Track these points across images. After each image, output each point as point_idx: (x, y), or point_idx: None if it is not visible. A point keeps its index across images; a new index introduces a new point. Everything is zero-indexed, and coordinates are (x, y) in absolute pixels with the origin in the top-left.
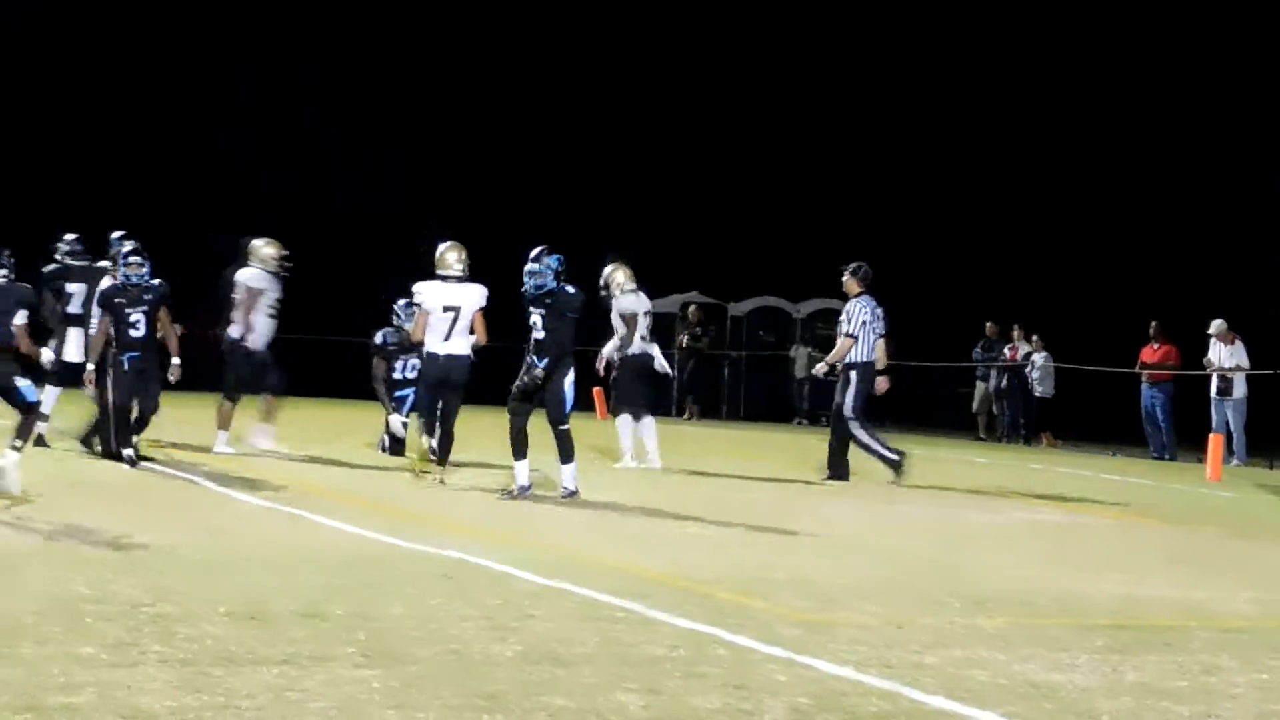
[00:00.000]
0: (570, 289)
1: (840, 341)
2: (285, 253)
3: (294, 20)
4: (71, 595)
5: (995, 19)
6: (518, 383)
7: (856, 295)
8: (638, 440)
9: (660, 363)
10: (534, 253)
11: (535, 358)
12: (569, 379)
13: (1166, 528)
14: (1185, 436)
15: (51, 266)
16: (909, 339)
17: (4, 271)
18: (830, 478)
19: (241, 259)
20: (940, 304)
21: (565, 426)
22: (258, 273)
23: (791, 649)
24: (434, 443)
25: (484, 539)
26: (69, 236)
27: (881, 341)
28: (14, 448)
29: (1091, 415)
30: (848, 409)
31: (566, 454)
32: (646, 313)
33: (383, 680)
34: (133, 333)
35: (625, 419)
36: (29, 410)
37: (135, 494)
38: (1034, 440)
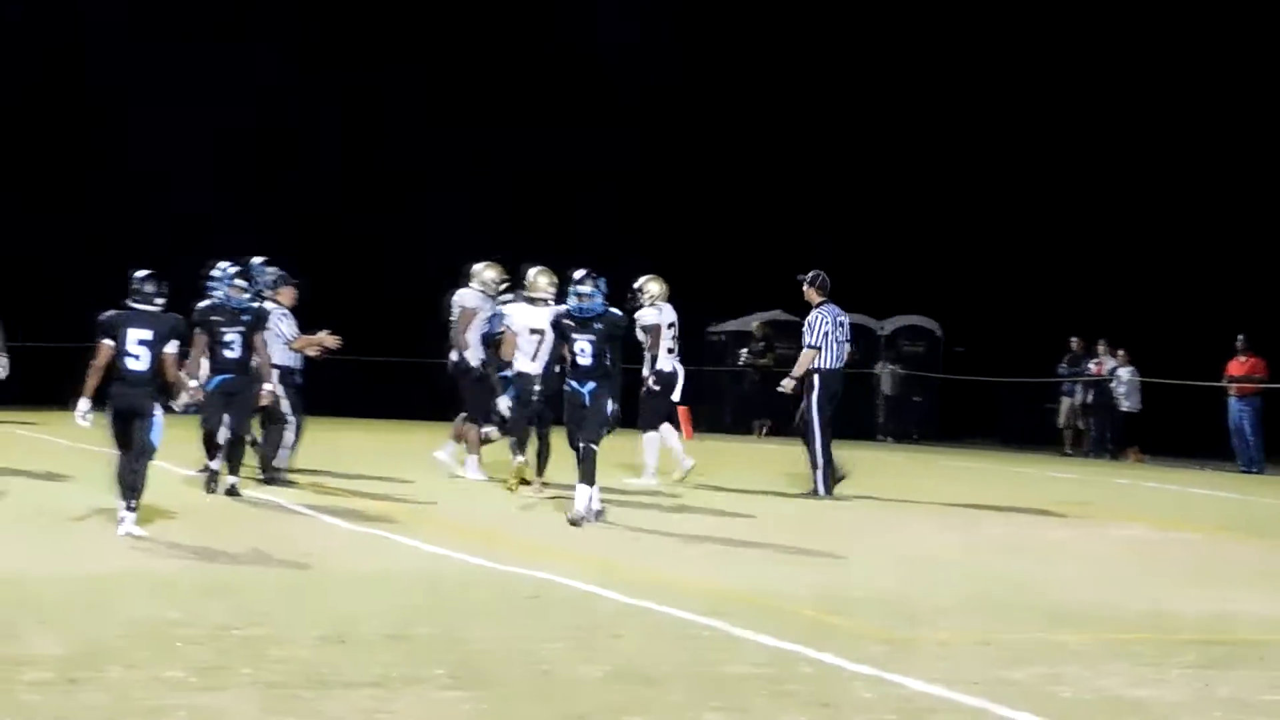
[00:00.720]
0: (617, 311)
1: (803, 353)
2: (506, 278)
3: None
4: (160, 619)
5: (1078, 30)
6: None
7: (818, 305)
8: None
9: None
10: (580, 274)
11: (577, 383)
12: (612, 401)
13: (1256, 542)
14: (1274, 449)
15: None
16: (996, 355)
17: (161, 301)
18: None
19: (463, 281)
20: (1026, 319)
21: (595, 448)
22: (474, 293)
23: (878, 666)
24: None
25: (568, 559)
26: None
27: (848, 349)
28: (130, 508)
29: (1178, 429)
30: (812, 416)
31: (588, 476)
32: (670, 325)
33: (472, 702)
34: (227, 354)
35: (651, 436)
36: (141, 454)
37: (223, 517)
38: (1120, 455)
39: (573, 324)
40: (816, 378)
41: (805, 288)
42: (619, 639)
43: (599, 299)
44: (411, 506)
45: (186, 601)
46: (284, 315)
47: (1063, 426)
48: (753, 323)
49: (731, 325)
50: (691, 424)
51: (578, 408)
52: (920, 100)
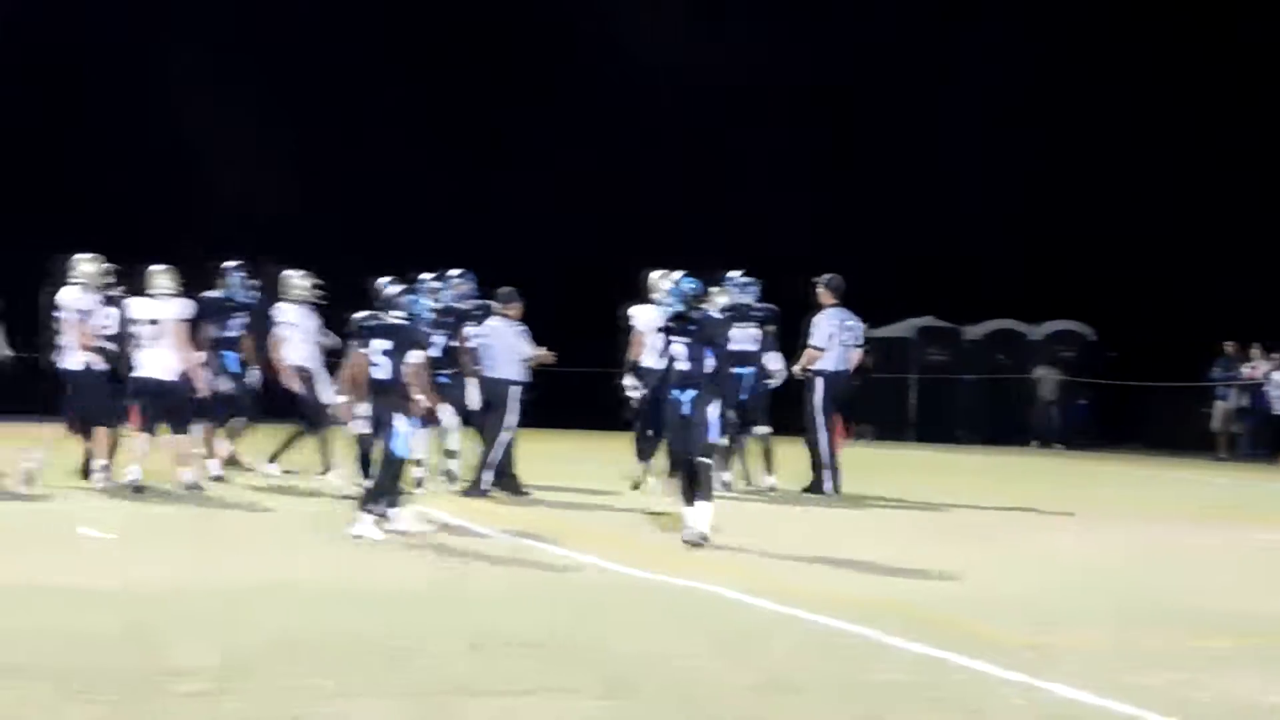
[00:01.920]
0: (715, 315)
1: (805, 352)
2: None
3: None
4: (304, 629)
5: (1214, 32)
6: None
7: (828, 307)
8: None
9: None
10: (680, 276)
11: (678, 391)
12: (715, 408)
13: None
14: None
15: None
16: (1150, 359)
17: (403, 312)
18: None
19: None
20: (1179, 323)
21: (707, 461)
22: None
23: (1026, 673)
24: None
25: (714, 568)
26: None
27: (857, 352)
28: (379, 514)
29: None
30: (817, 416)
31: (704, 490)
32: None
33: (617, 711)
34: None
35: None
36: (388, 465)
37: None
38: (1275, 459)
39: (673, 326)
40: (821, 380)
41: (819, 289)
42: (765, 647)
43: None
44: (558, 515)
45: (331, 612)
46: (520, 330)
47: (1217, 431)
48: (913, 329)
49: (883, 332)
50: (845, 432)
51: (679, 417)
52: (1067, 106)
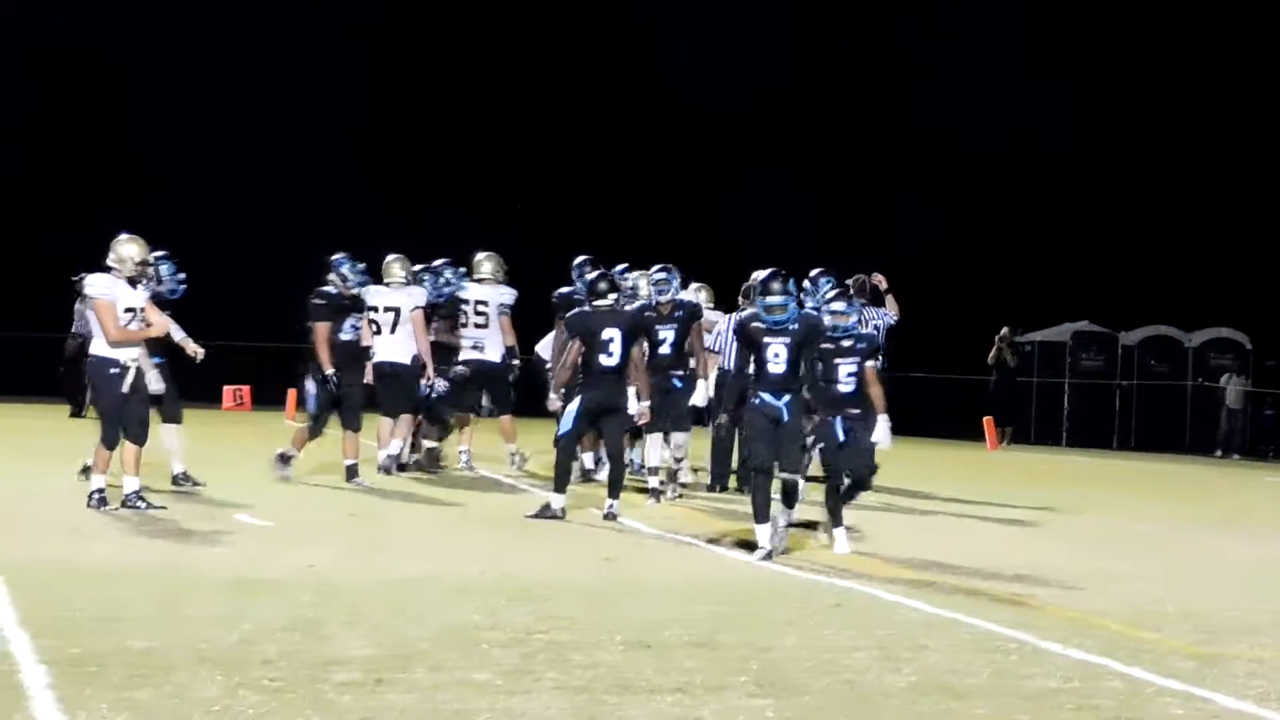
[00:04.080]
0: (814, 314)
1: None
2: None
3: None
4: (466, 622)
5: None
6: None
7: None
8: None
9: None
10: (765, 274)
11: (771, 396)
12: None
13: None
14: None
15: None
16: None
17: (614, 297)
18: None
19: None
20: None
21: (797, 476)
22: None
23: (1187, 682)
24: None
25: (872, 568)
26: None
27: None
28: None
29: None
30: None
31: (789, 505)
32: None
33: (777, 710)
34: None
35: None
36: (617, 457)
37: (529, 522)
38: None
39: (763, 327)
40: None
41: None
42: (924, 650)
43: (793, 302)
44: (721, 515)
45: (492, 605)
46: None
47: None
48: (1069, 334)
49: (1038, 336)
50: (996, 434)
51: (771, 424)
52: (1214, 113)
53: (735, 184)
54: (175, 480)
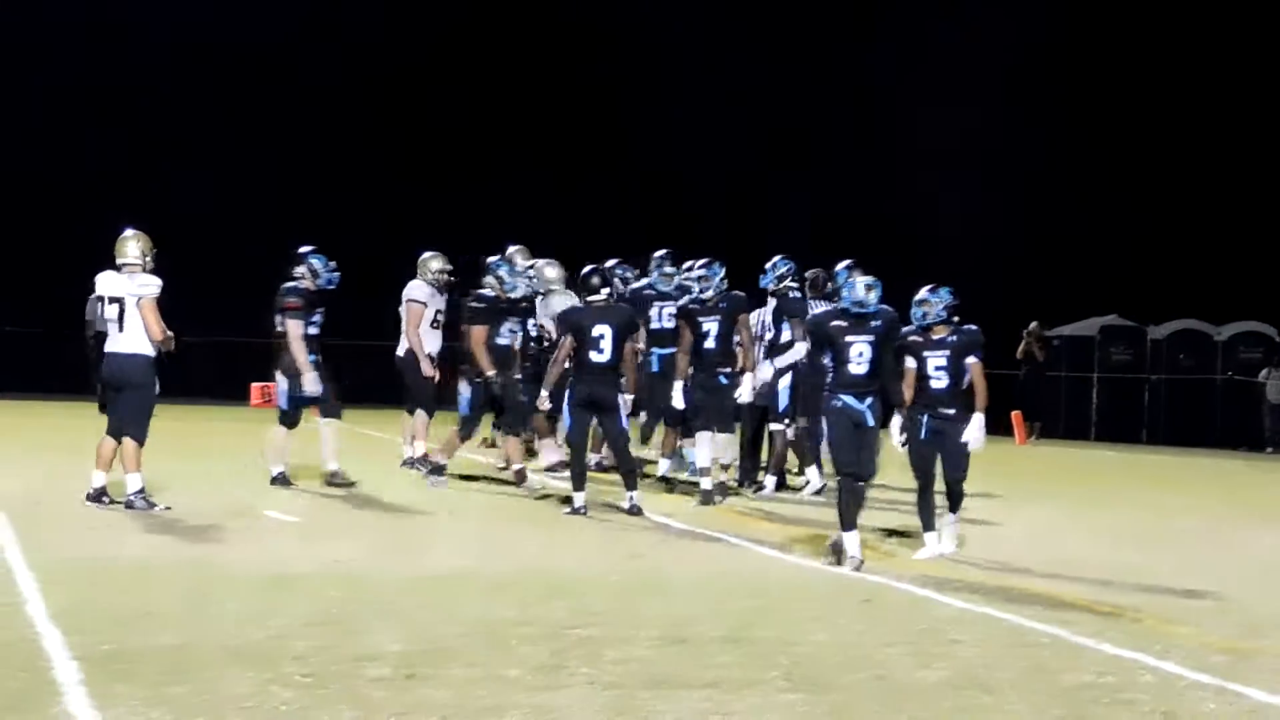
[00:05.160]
0: (890, 309)
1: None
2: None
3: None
4: (498, 618)
5: None
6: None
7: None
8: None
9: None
10: (928, 287)
11: (853, 398)
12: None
13: None
14: None
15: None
16: None
17: (606, 292)
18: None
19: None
20: None
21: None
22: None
23: (1220, 676)
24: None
25: (902, 563)
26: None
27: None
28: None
29: None
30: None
31: (850, 519)
32: None
33: (809, 705)
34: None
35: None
36: (616, 441)
37: (558, 518)
38: None
39: (845, 325)
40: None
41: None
42: (956, 644)
43: (941, 307)
44: (744, 508)
45: (524, 601)
46: None
47: None
48: (1096, 328)
49: (1066, 330)
50: (1025, 429)
51: (854, 428)
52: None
53: (758, 181)
54: (330, 480)
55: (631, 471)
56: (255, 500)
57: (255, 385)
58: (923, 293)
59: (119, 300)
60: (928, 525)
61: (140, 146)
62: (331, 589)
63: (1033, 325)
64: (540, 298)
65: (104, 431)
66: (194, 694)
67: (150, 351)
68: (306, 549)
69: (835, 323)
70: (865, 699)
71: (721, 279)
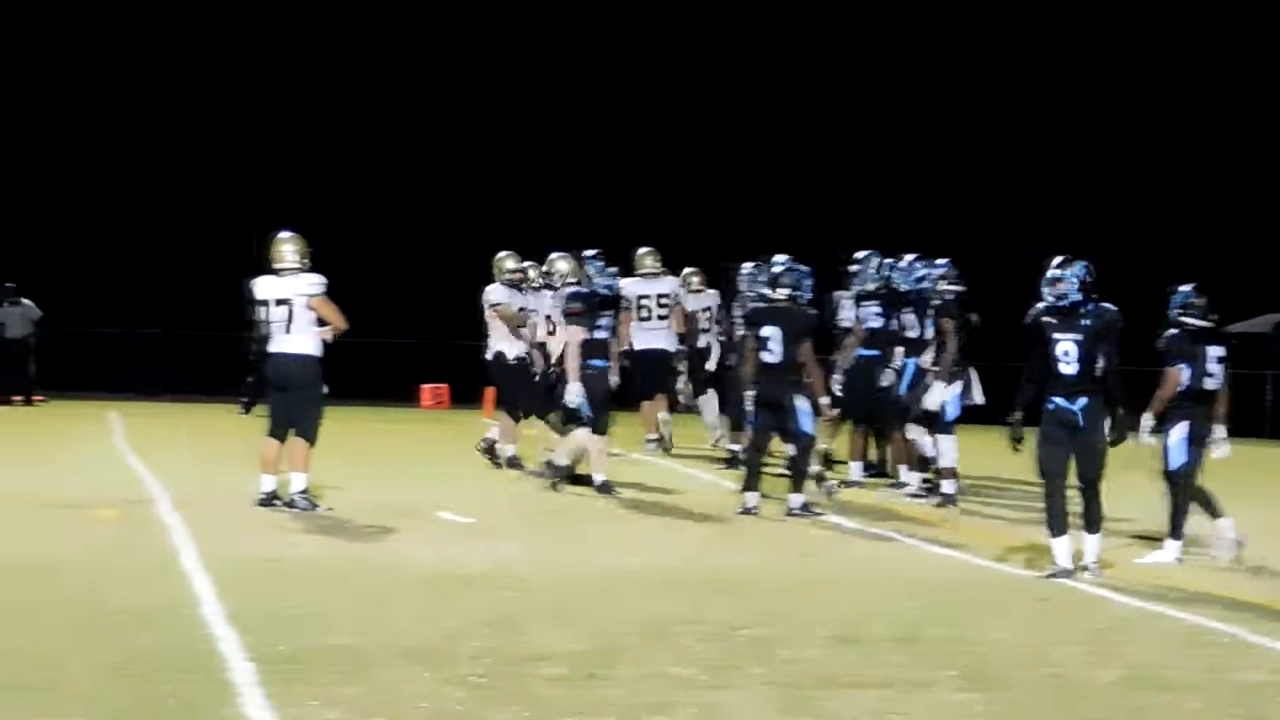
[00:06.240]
0: (1111, 306)
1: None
2: None
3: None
4: (670, 616)
5: None
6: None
7: None
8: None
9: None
10: (1058, 260)
11: (1064, 400)
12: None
13: None
14: None
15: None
16: None
17: (787, 291)
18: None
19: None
20: None
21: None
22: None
23: None
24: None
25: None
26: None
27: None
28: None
29: None
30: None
31: (1095, 522)
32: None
33: (984, 705)
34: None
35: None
36: (796, 442)
37: (727, 516)
38: None
39: (1054, 322)
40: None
41: None
42: (1131, 644)
43: (1074, 287)
44: (920, 508)
45: (695, 599)
46: None
47: None
48: (1270, 324)
49: (1238, 326)
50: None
51: (1067, 432)
52: None
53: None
54: (600, 488)
55: (802, 475)
56: (427, 501)
57: (426, 387)
58: (1054, 269)
59: (286, 301)
60: (1059, 530)
61: (291, 147)
62: (503, 589)
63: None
64: (553, 292)
65: (265, 434)
66: (368, 694)
67: (317, 352)
68: (478, 549)
69: (1046, 319)
70: (1040, 698)
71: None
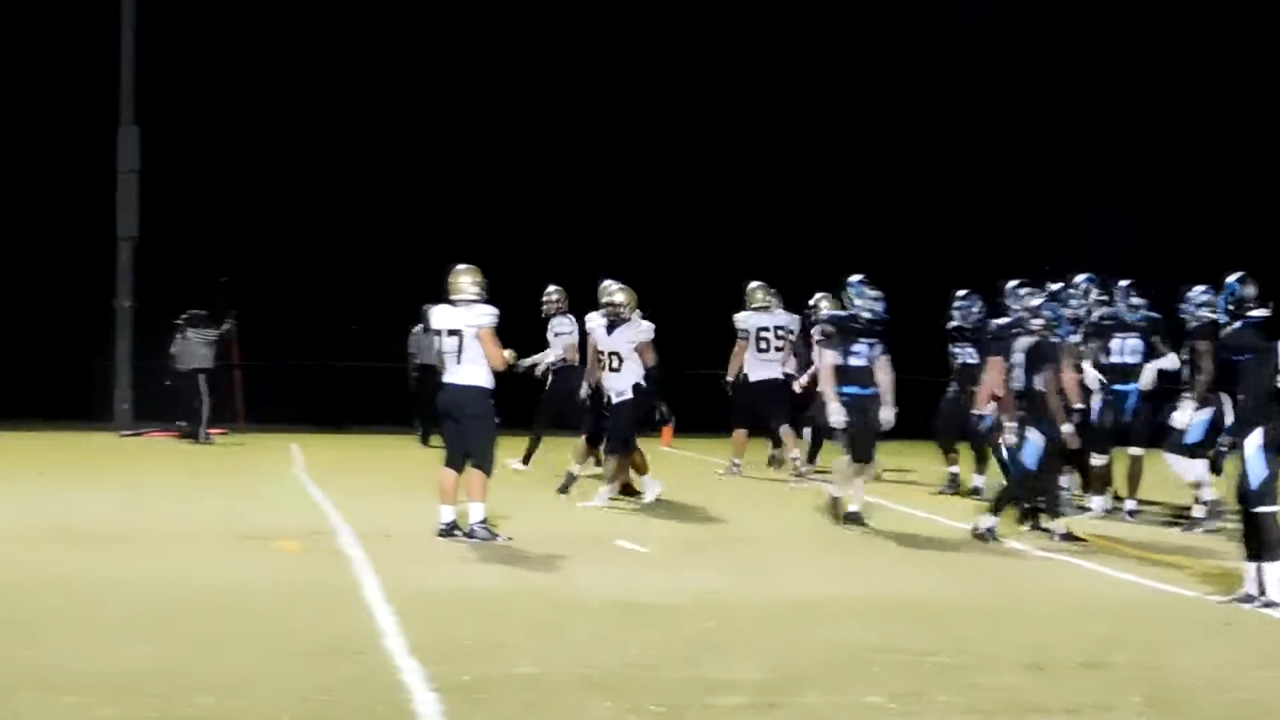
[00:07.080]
0: (1239, 325)
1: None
2: None
3: None
4: (858, 643)
5: None
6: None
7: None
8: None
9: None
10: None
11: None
12: (1256, 442)
13: None
14: None
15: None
16: None
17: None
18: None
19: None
20: None
21: (1258, 509)
22: None
23: None
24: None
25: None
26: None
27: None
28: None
29: None
30: None
31: (1270, 547)
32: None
33: None
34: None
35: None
36: (1012, 476)
37: (915, 542)
38: None
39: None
40: None
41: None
42: None
43: (1220, 307)
44: (1093, 531)
45: (884, 626)
46: None
47: None
48: None
49: None
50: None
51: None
52: None
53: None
54: (848, 518)
55: (1014, 500)
56: (605, 529)
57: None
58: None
59: (458, 332)
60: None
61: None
62: (685, 616)
63: None
64: (607, 322)
65: (443, 464)
66: None
67: (488, 383)
68: (657, 577)
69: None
70: None
71: (981, 308)
